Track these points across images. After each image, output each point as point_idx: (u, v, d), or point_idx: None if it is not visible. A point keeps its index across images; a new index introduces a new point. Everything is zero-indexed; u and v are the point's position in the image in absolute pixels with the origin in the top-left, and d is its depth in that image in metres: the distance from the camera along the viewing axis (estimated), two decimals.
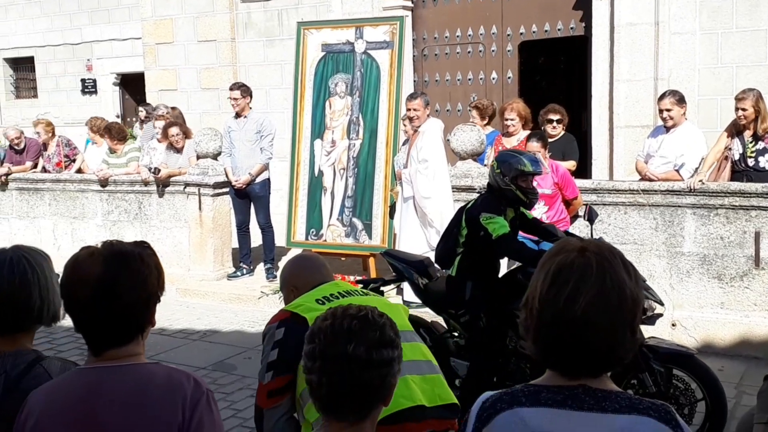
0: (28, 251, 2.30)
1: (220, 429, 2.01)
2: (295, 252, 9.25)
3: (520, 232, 5.05)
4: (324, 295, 2.64)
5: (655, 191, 6.59)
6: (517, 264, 5.23)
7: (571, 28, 9.94)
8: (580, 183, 6.86)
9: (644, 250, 6.60)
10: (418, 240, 7.36)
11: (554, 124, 7.60)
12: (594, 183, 7.19)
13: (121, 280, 1.94)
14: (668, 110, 6.76)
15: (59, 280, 2.05)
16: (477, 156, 7.55)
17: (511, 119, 7.65)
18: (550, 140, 7.28)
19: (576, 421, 1.59)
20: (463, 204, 5.22)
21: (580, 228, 6.63)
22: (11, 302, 2.19)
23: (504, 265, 5.51)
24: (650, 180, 6.75)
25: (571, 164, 7.35)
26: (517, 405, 1.64)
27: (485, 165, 7.63)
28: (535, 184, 6.61)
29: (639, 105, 9.14)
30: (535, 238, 5.03)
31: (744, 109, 6.38)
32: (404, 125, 7.93)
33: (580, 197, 6.61)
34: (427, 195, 7.25)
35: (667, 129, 6.86)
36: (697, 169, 6.64)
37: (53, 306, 2.27)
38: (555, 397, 1.63)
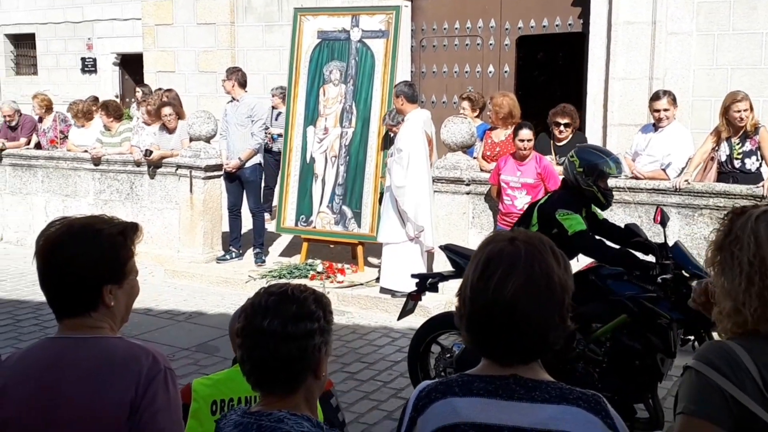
0: None
1: (176, 408, 2.01)
2: (285, 238, 9.30)
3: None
4: (223, 397, 2.58)
5: (641, 189, 6.62)
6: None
7: (569, 25, 9.94)
8: None
9: None
10: (396, 230, 7.36)
11: (561, 128, 7.18)
12: None
13: (66, 248, 1.97)
14: (666, 110, 6.79)
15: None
16: (467, 148, 7.56)
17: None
18: (558, 144, 7.24)
19: (506, 410, 1.63)
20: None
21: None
22: None
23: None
24: (637, 178, 6.77)
25: None
26: (451, 395, 1.68)
27: (474, 157, 7.65)
28: (518, 173, 6.67)
29: (633, 104, 9.14)
30: None
31: (745, 110, 6.40)
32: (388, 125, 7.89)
33: None
34: (400, 184, 7.19)
35: (656, 128, 6.88)
36: (683, 169, 6.67)
37: None
38: (487, 386, 1.66)
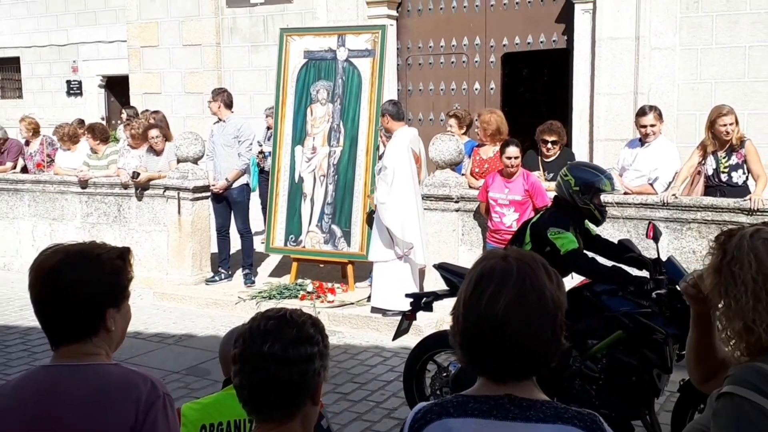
0: None
1: None
2: (275, 258, 9.27)
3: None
4: (212, 421, 2.58)
5: (629, 204, 6.65)
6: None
7: (554, 41, 10.03)
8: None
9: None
10: (386, 248, 7.34)
11: (549, 145, 7.17)
12: None
13: (68, 274, 1.97)
14: (652, 125, 6.83)
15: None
16: (455, 165, 7.58)
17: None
18: (546, 160, 7.25)
19: (500, 430, 1.63)
20: (529, 220, 5.10)
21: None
22: None
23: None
24: (624, 193, 6.80)
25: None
26: (446, 415, 1.68)
27: (462, 174, 7.67)
28: (506, 191, 6.69)
29: (619, 118, 9.21)
30: None
31: (731, 123, 6.46)
32: (381, 136, 7.96)
33: None
34: (383, 201, 7.19)
35: (642, 143, 6.93)
36: (670, 183, 6.71)
37: None
38: (481, 407, 1.66)
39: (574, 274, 4.84)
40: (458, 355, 1.72)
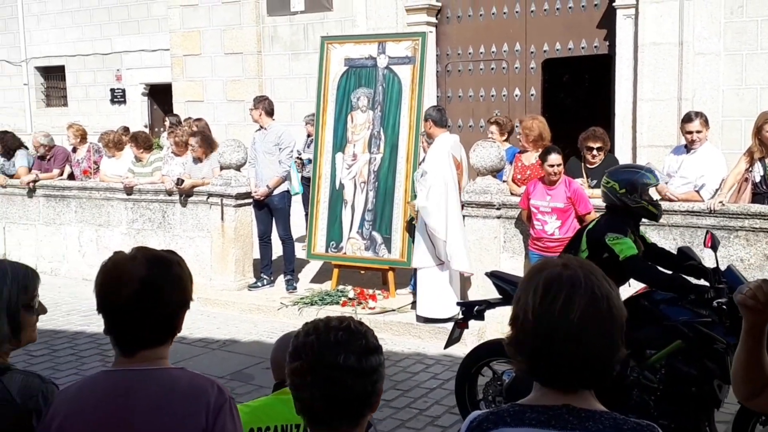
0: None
1: None
2: (316, 264, 9.34)
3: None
4: (261, 425, 2.57)
5: (675, 211, 6.57)
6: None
7: (595, 47, 9.96)
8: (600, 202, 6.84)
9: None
10: (428, 255, 7.36)
11: (594, 152, 7.05)
12: None
13: (164, 283, 2.04)
14: (698, 132, 6.74)
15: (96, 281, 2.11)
16: (497, 172, 7.56)
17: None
18: (590, 167, 7.17)
19: None
20: (584, 226, 5.11)
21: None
22: None
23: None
24: (670, 200, 6.72)
25: None
26: (503, 425, 1.67)
27: (504, 181, 7.65)
28: (548, 198, 6.65)
29: (662, 125, 9.12)
30: None
31: None
32: (423, 142, 7.98)
33: (594, 213, 6.57)
34: (422, 205, 7.23)
35: (688, 150, 6.85)
36: (717, 190, 6.62)
37: None
38: (539, 417, 1.65)
39: (631, 281, 4.80)
40: (518, 363, 1.71)
